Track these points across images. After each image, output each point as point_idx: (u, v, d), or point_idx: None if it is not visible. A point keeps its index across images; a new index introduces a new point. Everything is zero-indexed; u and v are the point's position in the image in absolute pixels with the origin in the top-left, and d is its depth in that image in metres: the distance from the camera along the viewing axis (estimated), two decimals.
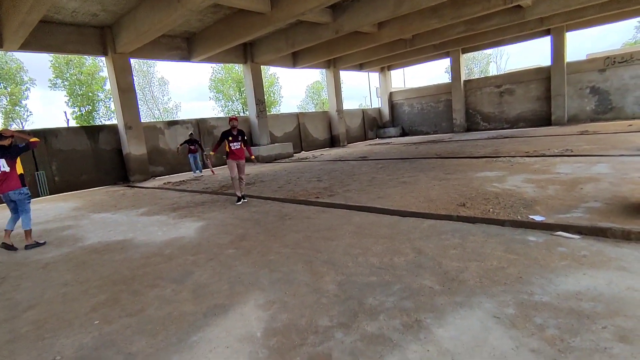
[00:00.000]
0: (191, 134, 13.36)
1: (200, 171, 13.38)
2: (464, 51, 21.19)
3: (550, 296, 2.48)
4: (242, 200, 6.87)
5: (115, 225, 6.15)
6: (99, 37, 11.76)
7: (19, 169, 5.16)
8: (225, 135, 6.72)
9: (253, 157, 7.18)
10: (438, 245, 3.66)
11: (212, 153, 7.63)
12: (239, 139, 6.81)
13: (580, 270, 2.82)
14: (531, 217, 4.18)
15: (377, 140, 22.90)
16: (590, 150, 8.80)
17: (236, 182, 6.90)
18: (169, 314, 2.81)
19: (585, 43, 57.98)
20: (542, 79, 18.62)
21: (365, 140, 24.02)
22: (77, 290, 3.46)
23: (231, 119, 6.82)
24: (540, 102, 18.90)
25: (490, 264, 3.10)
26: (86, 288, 3.50)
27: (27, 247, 5.14)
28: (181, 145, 13.09)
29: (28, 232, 5.21)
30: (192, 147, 12.89)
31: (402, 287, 2.84)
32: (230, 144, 6.73)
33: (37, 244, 5.24)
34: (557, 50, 17.52)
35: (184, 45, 13.94)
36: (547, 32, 17.57)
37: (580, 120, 17.81)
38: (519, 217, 4.21)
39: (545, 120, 18.76)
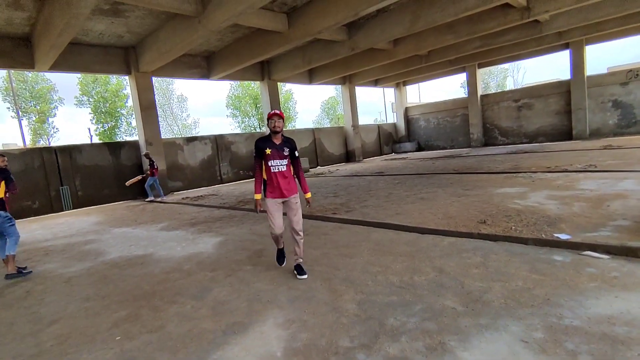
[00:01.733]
0: (146, 153, 11.85)
1: (162, 195, 11.95)
2: (480, 66, 21.09)
3: (581, 320, 2.38)
4: (303, 274, 3.67)
5: (136, 240, 6.26)
6: (123, 57, 12.27)
7: (0, 193, 4.72)
8: (261, 147, 3.61)
9: (309, 194, 3.90)
10: (459, 264, 3.57)
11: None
12: (286, 152, 3.64)
13: (612, 293, 2.70)
14: (556, 235, 4.05)
15: (393, 155, 22.81)
16: (615, 165, 8.53)
17: (281, 241, 3.91)
18: (189, 331, 2.81)
19: (605, 56, 57.04)
20: (562, 92, 18.32)
21: (380, 155, 23.97)
22: (99, 305, 3.51)
23: (271, 116, 3.57)
24: (560, 116, 18.55)
25: (515, 284, 3.01)
26: (108, 303, 3.55)
27: (7, 277, 4.60)
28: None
29: (10, 258, 4.67)
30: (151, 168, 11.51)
31: (424, 308, 2.77)
32: (269, 162, 3.60)
33: (20, 273, 4.71)
34: (577, 63, 17.27)
35: (204, 64, 14.37)
36: (565, 46, 17.37)
37: (603, 134, 17.35)
38: (543, 236, 4.08)
39: (566, 134, 18.36)
